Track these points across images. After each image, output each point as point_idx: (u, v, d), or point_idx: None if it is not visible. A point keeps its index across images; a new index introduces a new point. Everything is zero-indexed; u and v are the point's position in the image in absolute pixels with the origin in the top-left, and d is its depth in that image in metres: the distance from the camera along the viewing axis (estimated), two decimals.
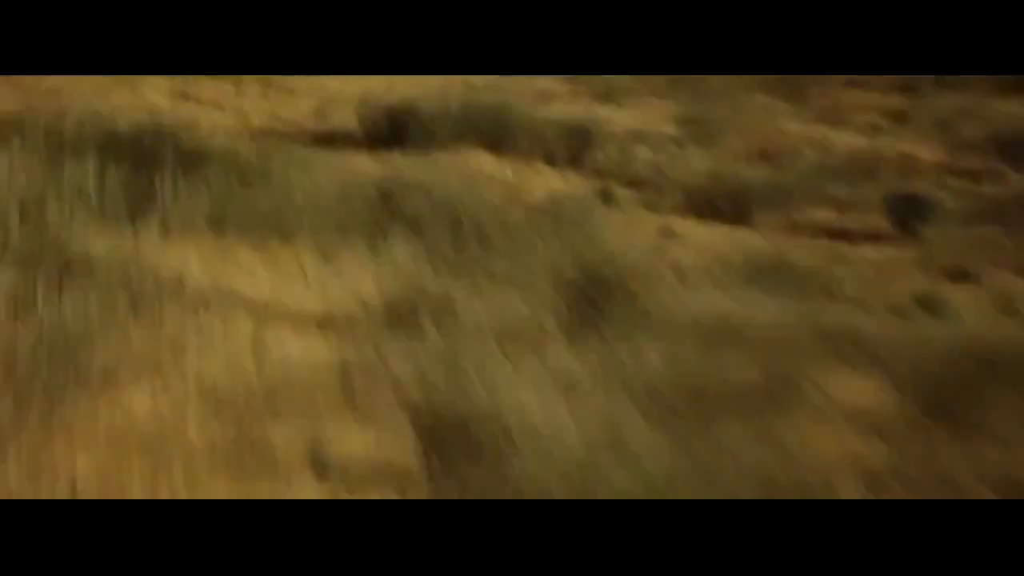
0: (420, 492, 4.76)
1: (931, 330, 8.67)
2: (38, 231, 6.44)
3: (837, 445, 5.78)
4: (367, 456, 5.06)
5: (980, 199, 16.20)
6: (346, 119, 16.54)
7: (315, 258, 7.19)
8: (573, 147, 16.19)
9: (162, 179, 7.26)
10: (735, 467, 4.91)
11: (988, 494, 5.29)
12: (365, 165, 8.21)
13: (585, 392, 5.81)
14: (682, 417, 5.66)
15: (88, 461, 4.71)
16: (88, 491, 4.51)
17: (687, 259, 10.69)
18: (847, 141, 18.29)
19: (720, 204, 14.98)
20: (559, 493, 4.44)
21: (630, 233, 11.42)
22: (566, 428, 5.01)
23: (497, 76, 20.06)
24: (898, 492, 5.26)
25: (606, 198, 14.86)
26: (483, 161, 15.44)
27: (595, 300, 6.89)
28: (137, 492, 4.55)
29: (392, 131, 15.86)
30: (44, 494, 4.44)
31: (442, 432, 4.99)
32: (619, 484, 4.52)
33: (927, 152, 18.00)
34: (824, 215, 15.26)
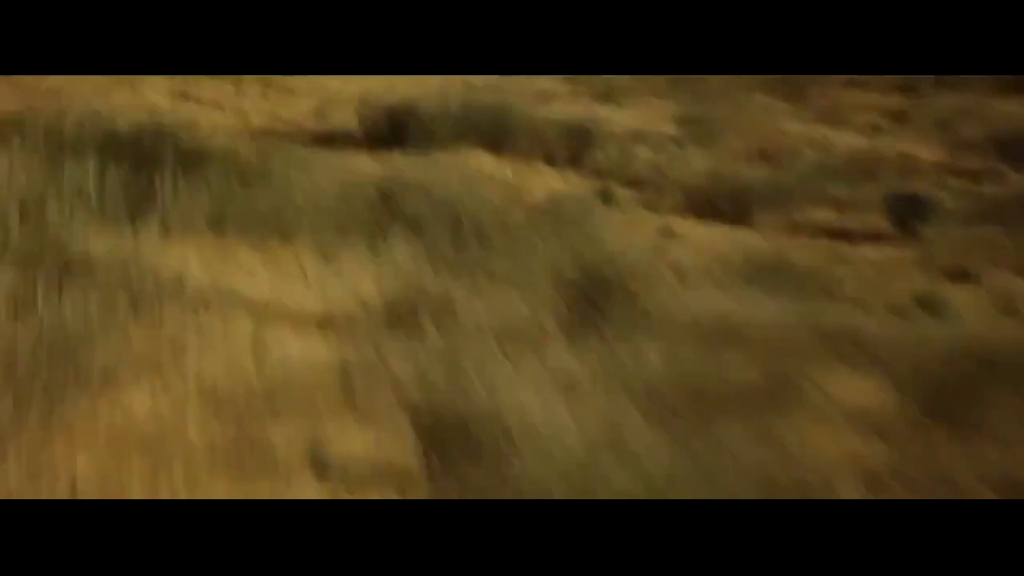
0: (420, 492, 4.76)
1: (931, 330, 8.66)
2: (38, 231, 6.43)
3: (837, 445, 5.77)
4: (367, 456, 5.06)
5: (980, 199, 16.20)
6: (346, 119, 16.55)
7: (315, 258, 7.19)
8: (573, 147, 16.19)
9: (162, 179, 7.26)
10: (735, 467, 4.91)
11: (988, 494, 5.28)
12: (365, 165, 8.20)
13: (585, 392, 5.80)
14: (682, 417, 5.66)
15: (88, 461, 4.71)
16: (88, 491, 4.51)
17: (687, 259, 10.69)
18: (847, 141, 18.28)
19: (720, 204, 14.97)
20: (559, 493, 4.44)
21: (630, 233, 11.42)
22: (566, 428, 5.00)
23: (497, 76, 20.07)
24: (898, 492, 5.25)
25: (606, 198, 14.86)
26: (483, 161, 15.43)
27: (595, 300, 6.89)
28: (137, 492, 4.55)
29: (392, 131, 15.86)
30: (44, 494, 4.44)
31: (442, 432, 4.99)
32: (619, 484, 4.52)
33: (927, 152, 17.99)
34: (824, 215, 15.26)
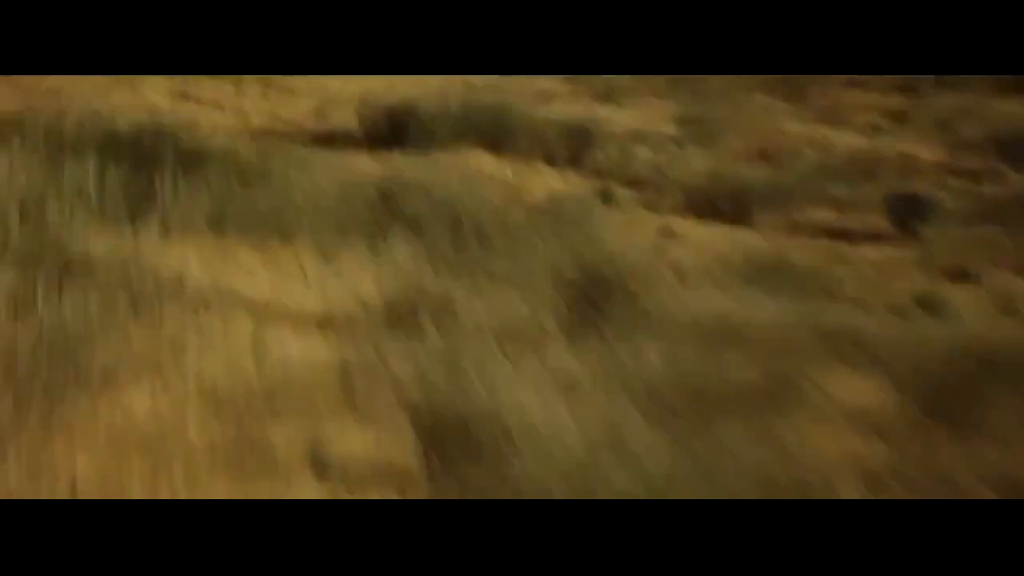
0: (420, 492, 4.76)
1: (931, 330, 8.65)
2: (38, 231, 6.43)
3: (837, 445, 5.77)
4: (367, 456, 5.06)
5: (980, 199, 16.20)
6: (346, 119, 16.54)
7: (315, 258, 7.18)
8: (573, 147, 16.19)
9: (162, 179, 7.26)
10: (735, 467, 4.91)
11: (988, 494, 5.28)
12: (365, 165, 8.20)
13: (585, 392, 5.80)
14: (682, 417, 5.66)
15: (88, 461, 4.71)
16: (88, 491, 4.51)
17: (687, 259, 10.69)
18: (847, 141, 18.28)
19: (720, 204, 14.97)
20: (559, 493, 4.45)
21: (630, 233, 11.41)
22: (566, 428, 5.01)
23: (497, 76, 20.07)
24: (898, 492, 5.25)
25: (606, 198, 14.86)
26: (483, 161, 15.44)
27: (595, 300, 6.89)
28: (137, 492, 4.55)
29: (392, 131, 15.86)
30: (44, 494, 4.44)
31: (442, 432, 4.99)
32: (619, 484, 4.52)
33: (927, 152, 17.99)
34: (824, 215, 15.26)
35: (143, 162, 7.59)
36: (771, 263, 12.20)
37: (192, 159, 7.44)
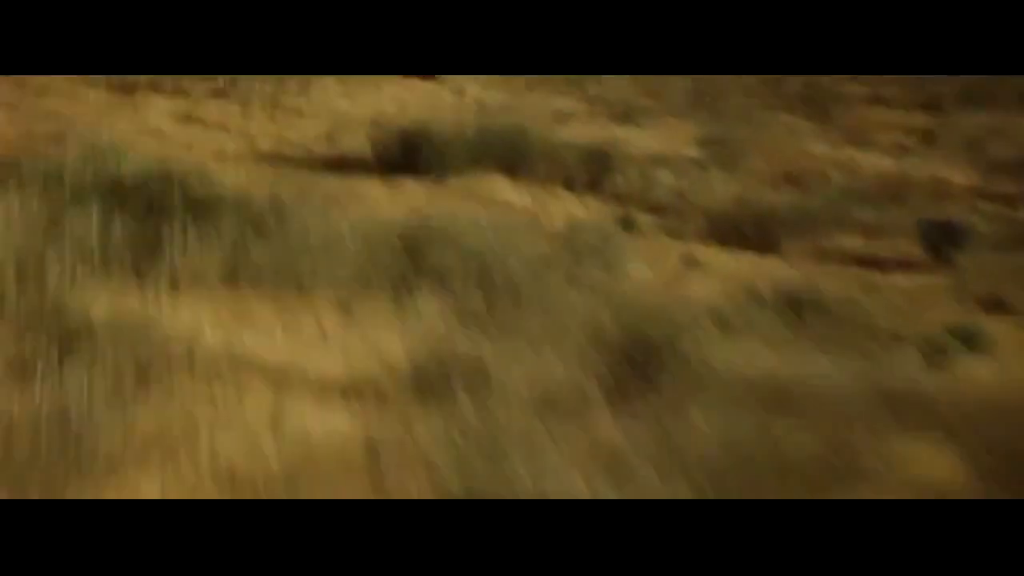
0: None
1: (978, 370, 8.23)
2: (37, 293, 5.95)
3: None
4: None
5: (1014, 224, 15.72)
6: (357, 143, 16.06)
7: (335, 314, 6.70)
8: (592, 171, 15.72)
9: (170, 229, 6.77)
10: None
11: None
12: (387, 210, 7.70)
13: (634, 470, 5.34)
14: (735, 493, 5.20)
15: None
16: None
17: (718, 295, 10.17)
18: (874, 163, 17.78)
19: (745, 230, 14.53)
20: None
21: (659, 269, 10.93)
22: None
23: (510, 95, 19.67)
24: None
25: (627, 225, 14.42)
26: (500, 187, 14.99)
27: (637, 360, 6.40)
28: None
29: (405, 156, 15.39)
30: None
31: None
32: None
33: (958, 175, 17.48)
34: (853, 241, 14.81)
35: (150, 210, 7.11)
36: (802, 295, 11.85)
37: (202, 206, 6.95)
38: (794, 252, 14.34)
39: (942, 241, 14.34)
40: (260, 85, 18.90)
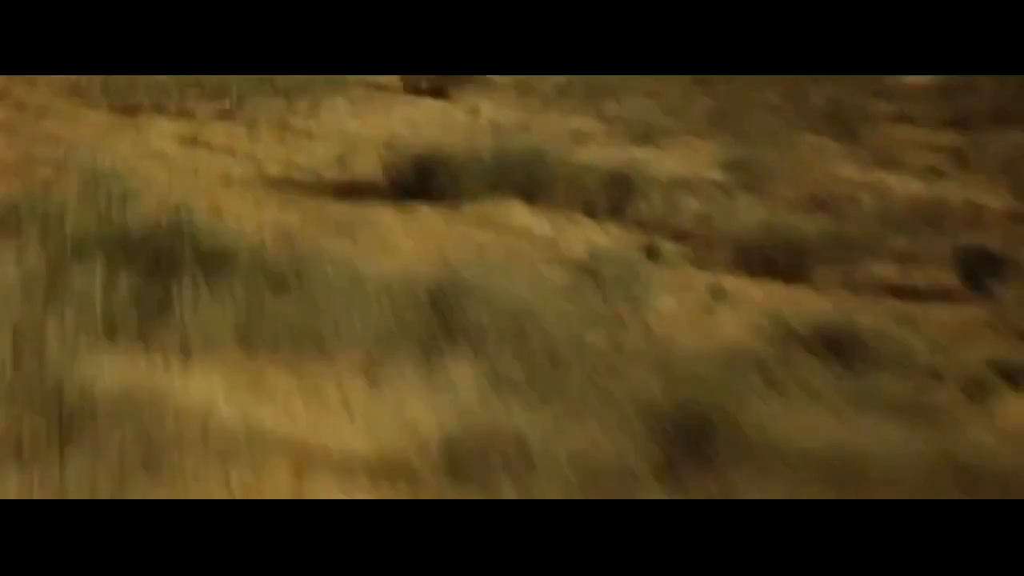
0: None
1: None
2: (35, 366, 5.41)
3: None
4: None
5: None
6: (370, 167, 15.49)
7: (359, 382, 6.16)
8: (613, 196, 15.16)
9: (180, 287, 6.24)
10: None
11: None
12: (414, 270, 7.16)
13: None
14: None
15: None
16: None
17: (766, 350, 9.57)
18: (906, 186, 17.18)
19: (774, 258, 13.98)
20: None
21: (692, 312, 10.38)
22: None
23: (525, 114, 19.13)
24: None
25: (652, 254, 13.90)
26: (518, 213, 14.44)
27: (688, 433, 5.86)
28: None
29: (419, 181, 14.85)
30: None
31: None
32: None
33: (994, 199, 16.85)
34: (887, 270, 14.24)
35: (157, 264, 6.58)
36: (840, 332, 11.36)
37: (214, 261, 6.42)
38: (825, 281, 13.82)
39: (979, 270, 13.81)
40: (268, 105, 18.37)
